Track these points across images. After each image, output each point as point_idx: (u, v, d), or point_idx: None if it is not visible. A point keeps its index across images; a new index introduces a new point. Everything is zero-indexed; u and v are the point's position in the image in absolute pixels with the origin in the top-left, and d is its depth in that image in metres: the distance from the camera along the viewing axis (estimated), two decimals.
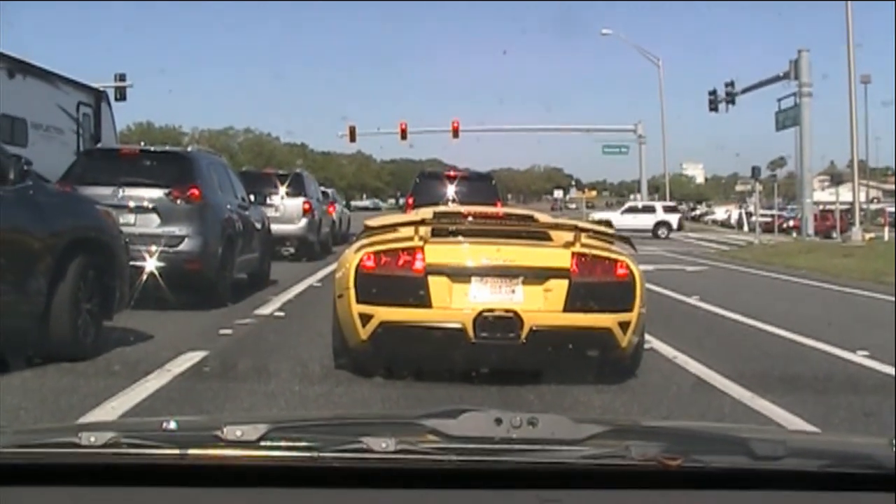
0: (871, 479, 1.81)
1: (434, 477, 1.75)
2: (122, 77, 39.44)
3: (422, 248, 6.79)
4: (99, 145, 17.87)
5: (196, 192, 11.36)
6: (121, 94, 37.84)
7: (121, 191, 11.00)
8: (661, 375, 7.50)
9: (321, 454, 1.80)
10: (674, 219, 49.74)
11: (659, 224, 47.76)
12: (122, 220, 9.49)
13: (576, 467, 1.82)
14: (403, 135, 56.77)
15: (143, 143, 16.57)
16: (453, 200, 18.71)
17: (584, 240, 6.99)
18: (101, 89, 21.78)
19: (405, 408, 6.16)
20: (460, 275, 6.81)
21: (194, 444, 1.87)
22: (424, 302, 6.69)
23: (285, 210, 20.73)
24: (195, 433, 2.24)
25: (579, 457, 1.89)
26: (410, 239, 6.88)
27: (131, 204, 10.95)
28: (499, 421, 2.04)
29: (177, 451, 1.80)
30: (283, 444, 1.91)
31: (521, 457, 1.87)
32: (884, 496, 1.74)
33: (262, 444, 1.88)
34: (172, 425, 2.31)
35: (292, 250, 20.43)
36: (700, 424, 4.21)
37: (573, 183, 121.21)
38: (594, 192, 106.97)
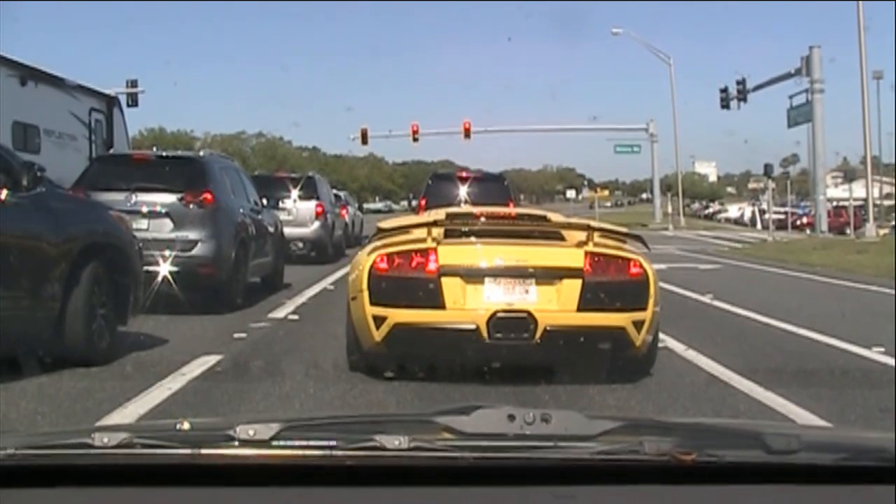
0: (884, 472, 1.80)
1: (447, 474, 1.75)
2: (133, 83, 39.55)
3: (435, 250, 6.78)
4: (111, 151, 17.94)
5: (209, 196, 11.38)
6: (133, 100, 37.98)
7: (134, 196, 11.02)
8: (676, 373, 7.49)
9: (334, 452, 1.80)
10: None
11: None
12: (135, 226, 9.53)
13: (589, 463, 1.82)
14: (415, 136, 56.74)
15: (155, 149, 16.62)
16: (466, 201, 18.68)
17: (596, 239, 6.98)
18: (113, 95, 21.87)
19: (420, 409, 6.16)
20: (474, 275, 6.80)
21: (207, 444, 1.87)
22: (438, 303, 6.68)
23: (298, 213, 20.72)
24: (208, 433, 2.24)
25: (593, 453, 1.88)
26: (423, 240, 6.87)
27: (144, 209, 10.98)
28: (512, 417, 2.04)
29: (189, 451, 1.80)
30: (296, 442, 1.91)
31: (534, 453, 1.86)
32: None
33: (275, 442, 1.87)
34: (185, 426, 2.31)
35: (300, 244, 20.29)
36: (713, 420, 4.20)
37: (585, 182, 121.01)
38: (606, 192, 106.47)
